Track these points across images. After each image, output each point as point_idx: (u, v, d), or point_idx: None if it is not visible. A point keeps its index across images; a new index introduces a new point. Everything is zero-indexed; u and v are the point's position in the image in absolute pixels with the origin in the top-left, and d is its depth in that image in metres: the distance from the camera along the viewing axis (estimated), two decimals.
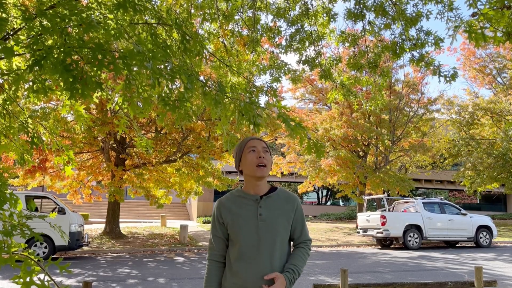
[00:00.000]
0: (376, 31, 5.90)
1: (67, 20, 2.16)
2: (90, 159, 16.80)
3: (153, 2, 3.23)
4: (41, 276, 1.89)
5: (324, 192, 34.52)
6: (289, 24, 6.35)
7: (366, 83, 6.53)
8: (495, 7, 2.21)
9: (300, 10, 6.30)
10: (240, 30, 6.60)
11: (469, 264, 10.72)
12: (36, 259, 1.91)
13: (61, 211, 11.47)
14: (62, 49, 2.15)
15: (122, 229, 17.79)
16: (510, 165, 22.25)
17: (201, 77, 2.88)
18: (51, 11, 2.22)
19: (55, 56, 2.15)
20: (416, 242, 14.65)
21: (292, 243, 2.12)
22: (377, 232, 14.89)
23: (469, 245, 16.04)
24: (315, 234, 18.81)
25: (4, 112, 3.09)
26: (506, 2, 2.13)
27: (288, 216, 2.04)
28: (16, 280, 1.83)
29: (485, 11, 2.20)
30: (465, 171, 23.80)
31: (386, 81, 6.60)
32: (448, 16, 4.96)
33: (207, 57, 5.38)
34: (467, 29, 2.21)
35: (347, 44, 6.38)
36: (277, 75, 6.73)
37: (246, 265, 1.95)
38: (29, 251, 1.96)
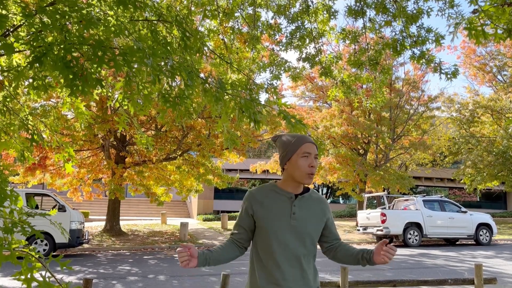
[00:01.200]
0: (377, 28, 5.89)
1: (67, 17, 2.16)
2: (90, 156, 16.80)
3: None
4: (42, 272, 1.89)
5: (324, 190, 34.54)
6: (290, 21, 6.34)
7: (366, 80, 6.52)
8: (495, 4, 2.21)
9: (300, 7, 6.29)
10: (240, 27, 6.59)
11: (469, 261, 10.73)
12: (37, 256, 1.91)
13: (62, 209, 11.48)
14: (62, 46, 2.15)
15: (122, 226, 17.81)
16: (510, 163, 22.25)
17: (201, 75, 2.87)
18: (51, 8, 2.21)
19: (55, 52, 2.14)
20: (416, 239, 14.66)
21: (328, 244, 2.10)
22: (377, 230, 14.91)
23: (469, 242, 16.06)
24: None
25: (5, 109, 3.09)
26: None
27: (319, 218, 2.02)
28: (17, 277, 1.83)
29: (486, 8, 2.20)
30: (465, 169, 23.80)
31: (386, 78, 6.59)
32: (449, 13, 4.95)
33: (208, 54, 5.38)
34: (468, 26, 2.21)
35: (347, 42, 6.37)
36: (277, 73, 6.73)
37: (275, 261, 1.93)
38: (30, 247, 1.96)
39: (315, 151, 2.00)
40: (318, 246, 2.14)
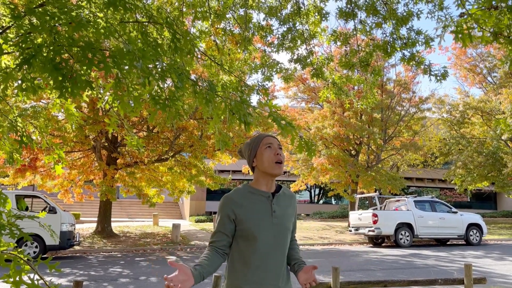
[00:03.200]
0: (368, 30, 5.93)
1: (56, 18, 2.15)
2: (81, 158, 16.69)
3: (143, 1, 3.22)
4: (31, 275, 1.88)
5: (317, 191, 34.63)
6: (281, 23, 6.36)
7: (357, 81, 6.56)
8: (483, 7, 2.24)
9: (291, 9, 6.31)
10: (232, 29, 6.60)
11: (459, 261, 10.82)
12: (26, 258, 1.90)
13: (52, 211, 11.39)
14: (51, 48, 2.14)
15: (114, 228, 17.71)
16: (500, 163, 22.48)
17: (192, 76, 2.87)
18: (40, 9, 2.21)
19: (45, 54, 2.14)
20: (407, 240, 14.76)
21: None
22: (369, 230, 14.98)
23: (460, 243, 16.20)
24: (307, 232, 18.86)
25: None
26: (493, 2, 2.16)
27: (292, 213, 2.12)
28: (6, 279, 1.82)
29: (473, 11, 2.23)
30: (455, 170, 24.00)
31: (377, 79, 6.64)
32: (439, 16, 5.00)
33: (199, 56, 5.38)
34: (455, 29, 2.24)
35: (338, 43, 6.41)
36: (269, 74, 6.74)
37: (263, 261, 1.95)
38: (19, 250, 1.95)
39: (277, 142, 2.09)
40: (302, 240, 2.18)
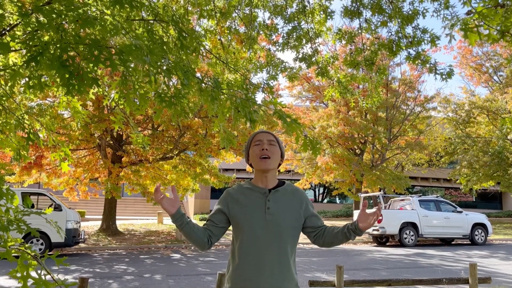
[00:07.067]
0: (373, 28, 5.92)
1: (63, 16, 2.17)
2: (86, 156, 16.76)
3: None
4: (38, 270, 1.90)
5: (321, 190, 34.60)
6: (286, 22, 6.35)
7: (362, 80, 6.55)
8: (489, 5, 2.23)
9: (297, 8, 6.31)
10: (237, 28, 6.61)
11: (464, 261, 10.78)
12: (33, 254, 1.92)
13: (58, 208, 11.45)
14: (58, 45, 2.16)
15: (118, 226, 17.78)
16: (505, 163, 22.35)
17: (198, 74, 2.89)
18: (47, 7, 2.22)
19: (52, 52, 2.15)
20: (412, 239, 14.72)
21: (315, 233, 2.09)
22: (373, 230, 14.95)
23: (465, 242, 16.13)
24: None
25: (0, 108, 3.09)
26: (500, 0, 2.15)
27: (296, 210, 2.04)
28: (13, 274, 1.84)
29: (479, 9, 2.22)
30: (461, 169, 23.88)
31: (382, 78, 6.63)
32: (444, 14, 4.98)
33: (204, 54, 5.39)
34: (463, 27, 2.23)
35: (343, 42, 6.40)
36: (274, 73, 6.75)
37: (256, 258, 1.92)
38: (26, 245, 1.97)
39: (268, 137, 2.09)
40: (306, 239, 2.12)
